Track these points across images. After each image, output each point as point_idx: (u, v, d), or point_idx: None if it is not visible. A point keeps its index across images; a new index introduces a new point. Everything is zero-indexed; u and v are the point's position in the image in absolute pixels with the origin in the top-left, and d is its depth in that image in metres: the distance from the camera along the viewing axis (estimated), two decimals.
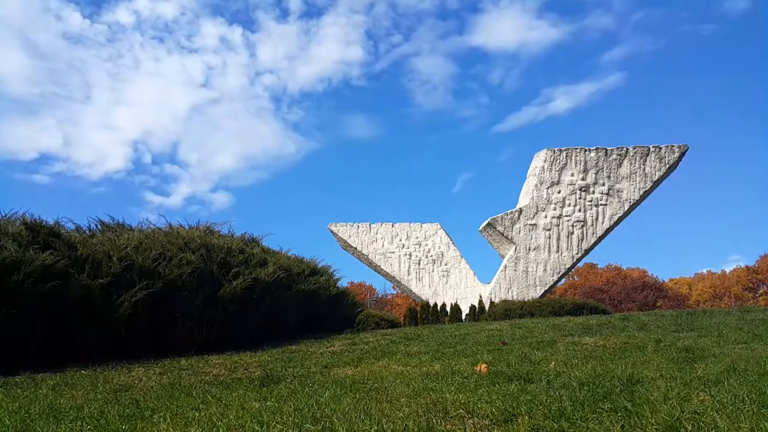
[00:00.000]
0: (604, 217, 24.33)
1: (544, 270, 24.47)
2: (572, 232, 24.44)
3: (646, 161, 24.30)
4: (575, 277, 71.26)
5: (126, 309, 10.43)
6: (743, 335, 10.38)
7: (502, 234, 24.65)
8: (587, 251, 24.85)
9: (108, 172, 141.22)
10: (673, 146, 24.41)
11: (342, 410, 4.63)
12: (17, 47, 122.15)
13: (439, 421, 4.20)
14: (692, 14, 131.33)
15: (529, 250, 24.55)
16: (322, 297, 16.89)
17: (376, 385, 6.23)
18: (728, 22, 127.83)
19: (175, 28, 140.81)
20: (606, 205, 24.31)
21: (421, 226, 30.41)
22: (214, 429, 4.24)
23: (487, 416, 4.38)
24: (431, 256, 29.75)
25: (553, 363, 7.51)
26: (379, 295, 65.15)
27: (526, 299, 22.75)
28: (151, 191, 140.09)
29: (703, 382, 5.52)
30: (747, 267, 69.18)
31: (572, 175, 24.53)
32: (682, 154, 24.41)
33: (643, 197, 24.42)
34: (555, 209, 24.50)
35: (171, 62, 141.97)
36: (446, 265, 29.57)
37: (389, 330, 16.89)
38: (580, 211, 24.40)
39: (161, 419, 4.69)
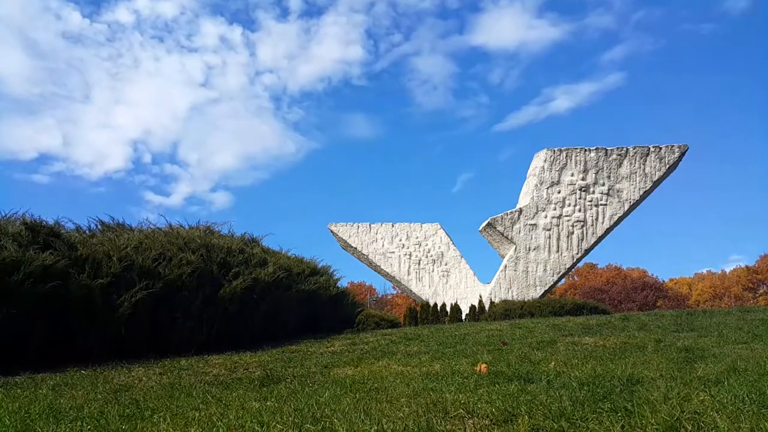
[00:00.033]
0: (604, 217, 24.33)
1: (544, 270, 24.47)
2: (572, 232, 24.45)
3: (646, 161, 24.31)
4: (575, 277, 71.27)
5: (126, 309, 10.43)
6: (743, 335, 10.38)
7: (502, 234, 24.65)
8: (587, 251, 24.86)
9: (108, 171, 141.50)
10: (673, 146, 24.42)
11: (342, 410, 4.63)
12: (17, 47, 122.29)
13: (439, 421, 4.20)
14: (692, 14, 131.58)
15: (529, 250, 24.55)
16: (322, 297, 16.89)
17: (376, 385, 6.23)
18: (728, 22, 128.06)
19: (174, 28, 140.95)
20: (606, 205, 24.31)
21: (421, 226, 30.41)
22: (214, 429, 4.25)
23: (487, 416, 4.38)
24: (431, 256, 29.75)
25: (553, 363, 7.51)
26: (379, 295, 65.20)
27: (526, 299, 22.76)
28: (151, 191, 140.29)
29: (703, 382, 5.52)
30: (747, 267, 69.24)
31: (572, 175, 24.53)
32: (682, 154, 24.41)
33: (643, 197, 24.42)
34: (555, 209, 24.50)
35: (171, 62, 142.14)
36: (446, 265, 29.57)
37: (389, 330, 16.89)
38: (580, 211, 24.40)
39: (161, 419, 4.70)
